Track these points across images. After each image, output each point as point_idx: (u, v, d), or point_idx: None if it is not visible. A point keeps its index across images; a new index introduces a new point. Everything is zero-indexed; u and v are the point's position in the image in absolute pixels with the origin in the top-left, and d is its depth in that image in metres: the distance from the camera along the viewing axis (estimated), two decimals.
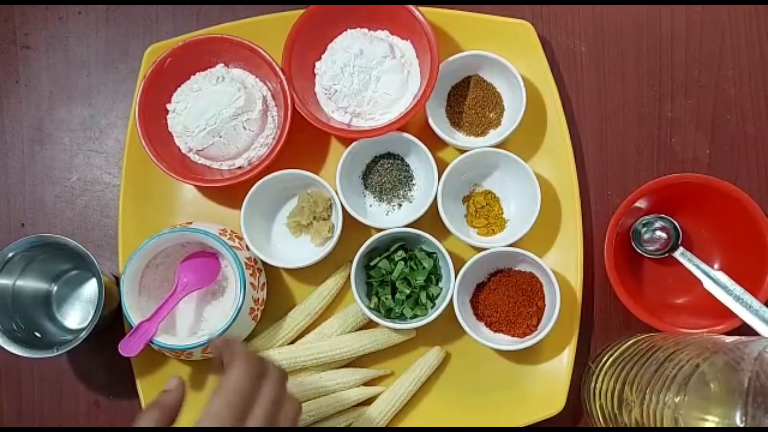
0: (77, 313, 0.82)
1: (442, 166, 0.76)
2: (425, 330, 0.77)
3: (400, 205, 0.80)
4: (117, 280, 0.79)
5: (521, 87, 0.76)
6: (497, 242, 0.77)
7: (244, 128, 0.77)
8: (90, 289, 0.82)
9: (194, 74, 0.79)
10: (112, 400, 0.81)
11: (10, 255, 0.74)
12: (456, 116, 0.81)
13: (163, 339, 0.72)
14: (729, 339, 0.62)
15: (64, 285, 0.82)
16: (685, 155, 0.82)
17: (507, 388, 0.77)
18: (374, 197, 0.81)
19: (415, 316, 0.76)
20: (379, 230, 0.76)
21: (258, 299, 0.75)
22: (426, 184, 0.79)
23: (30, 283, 0.79)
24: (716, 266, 0.78)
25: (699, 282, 0.76)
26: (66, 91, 0.86)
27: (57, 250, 0.76)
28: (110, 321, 0.77)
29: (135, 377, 0.77)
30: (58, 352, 0.72)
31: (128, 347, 0.71)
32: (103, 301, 0.72)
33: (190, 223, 0.76)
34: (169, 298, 0.73)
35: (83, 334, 0.72)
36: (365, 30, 0.79)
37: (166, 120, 0.79)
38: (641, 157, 0.82)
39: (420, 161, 0.79)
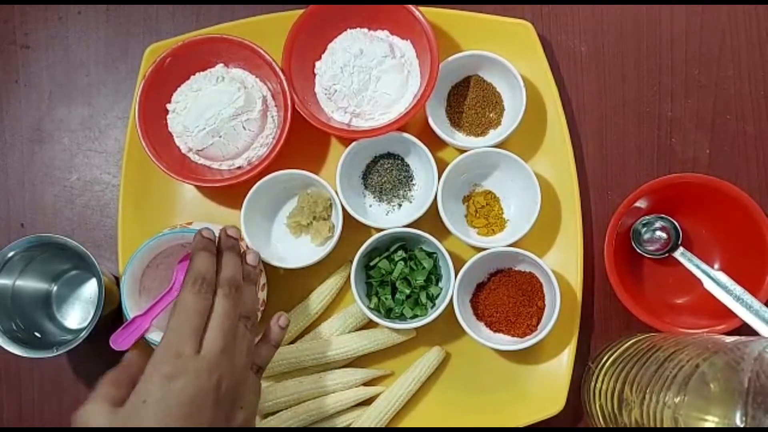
0: (77, 313, 0.82)
1: (442, 166, 0.76)
2: (425, 330, 0.77)
3: (400, 205, 0.80)
4: (117, 280, 0.79)
5: (521, 87, 0.76)
6: (497, 242, 0.77)
7: (244, 128, 0.77)
8: (90, 289, 0.82)
9: (194, 74, 0.79)
10: None
11: (10, 255, 0.74)
12: (456, 116, 0.81)
13: (160, 337, 0.72)
14: (729, 339, 0.62)
15: (64, 285, 0.82)
16: (685, 155, 0.82)
17: (507, 388, 0.78)
18: (374, 197, 0.81)
19: (415, 316, 0.76)
20: (379, 230, 0.76)
21: (258, 299, 0.75)
22: (426, 184, 0.79)
23: (30, 283, 0.79)
24: (716, 266, 0.78)
25: (699, 282, 0.76)
26: (66, 91, 0.86)
27: (57, 250, 0.76)
28: (110, 321, 0.77)
29: None
30: (58, 352, 0.72)
31: (120, 341, 0.70)
32: (103, 301, 0.72)
33: (190, 223, 0.76)
34: (164, 295, 0.73)
35: (83, 334, 0.72)
36: (365, 30, 0.79)
37: (166, 120, 0.79)
38: (641, 157, 0.82)
39: (420, 161, 0.79)
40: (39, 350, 0.73)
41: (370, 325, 0.78)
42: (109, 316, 0.76)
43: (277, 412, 0.75)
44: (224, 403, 0.56)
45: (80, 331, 0.73)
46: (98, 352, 0.79)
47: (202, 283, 0.60)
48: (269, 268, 0.77)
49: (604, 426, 0.72)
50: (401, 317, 0.77)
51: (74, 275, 0.82)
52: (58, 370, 0.81)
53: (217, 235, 0.66)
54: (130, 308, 0.72)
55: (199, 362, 0.56)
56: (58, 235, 0.74)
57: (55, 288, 0.82)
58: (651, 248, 0.80)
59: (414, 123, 0.79)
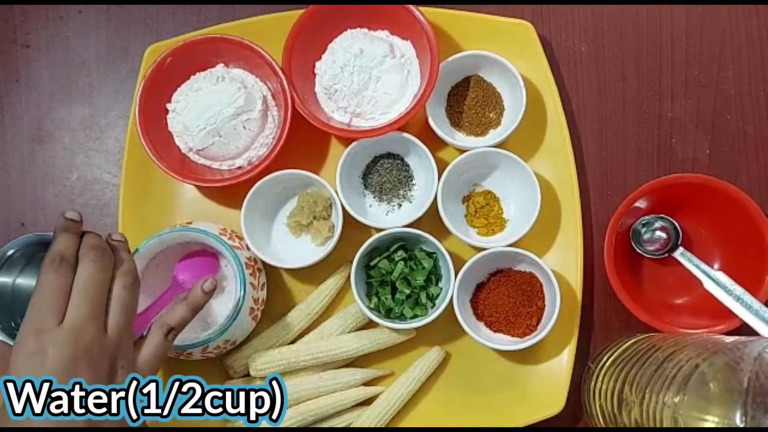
0: None
1: (442, 166, 0.77)
2: (425, 330, 0.77)
3: (400, 205, 0.80)
4: None
5: (521, 87, 0.76)
6: (497, 242, 0.77)
7: (244, 128, 0.77)
8: None
9: (194, 74, 0.79)
10: None
11: (10, 253, 0.74)
12: (456, 116, 0.81)
13: None
14: (729, 339, 0.62)
15: None
16: (685, 155, 0.82)
17: (507, 388, 0.78)
18: (374, 197, 0.81)
19: (415, 316, 0.77)
20: (379, 230, 0.76)
21: (258, 299, 0.75)
22: (426, 184, 0.79)
23: (30, 282, 0.78)
24: (716, 266, 0.78)
25: (699, 282, 0.76)
26: (66, 91, 0.86)
27: None
28: None
29: None
30: None
31: None
32: None
33: (190, 222, 0.76)
34: (163, 295, 0.73)
35: None
36: (365, 30, 0.79)
37: (166, 120, 0.79)
38: (641, 157, 0.82)
39: (420, 161, 0.79)
40: None
41: (370, 325, 0.78)
42: None
43: None
44: (100, 365, 0.56)
45: None
46: None
47: (61, 261, 0.58)
48: (269, 268, 0.78)
49: (604, 426, 0.72)
50: (401, 317, 0.77)
51: None
52: None
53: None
54: None
55: (63, 332, 0.55)
56: None
57: None
58: (651, 248, 0.80)
59: (414, 123, 0.79)
